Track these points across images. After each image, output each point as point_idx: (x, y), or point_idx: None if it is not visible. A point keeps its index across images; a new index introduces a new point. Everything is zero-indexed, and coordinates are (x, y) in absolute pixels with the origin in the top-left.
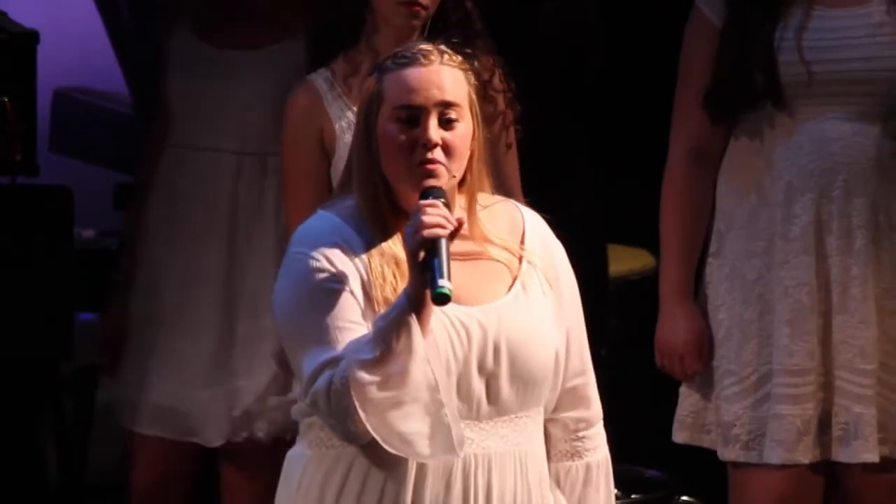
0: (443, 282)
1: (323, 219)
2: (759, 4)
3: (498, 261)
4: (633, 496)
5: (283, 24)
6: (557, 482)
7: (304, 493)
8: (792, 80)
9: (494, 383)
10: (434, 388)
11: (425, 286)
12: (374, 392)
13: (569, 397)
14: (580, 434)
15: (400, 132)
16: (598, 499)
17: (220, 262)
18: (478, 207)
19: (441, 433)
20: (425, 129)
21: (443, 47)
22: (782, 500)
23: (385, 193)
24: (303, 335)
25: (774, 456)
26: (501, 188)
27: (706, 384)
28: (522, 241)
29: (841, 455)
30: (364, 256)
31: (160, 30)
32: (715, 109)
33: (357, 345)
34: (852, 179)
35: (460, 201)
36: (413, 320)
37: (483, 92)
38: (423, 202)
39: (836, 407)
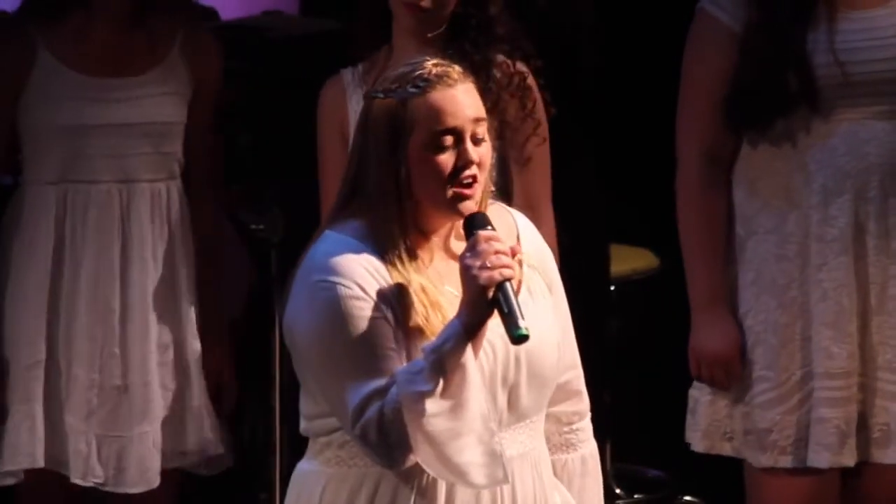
0: (522, 323)
1: (340, 243)
2: (788, 8)
3: None
4: (635, 496)
5: (153, 51)
6: (555, 475)
7: None
8: (827, 82)
9: (515, 392)
10: (486, 417)
11: (485, 319)
12: (432, 424)
13: (562, 391)
14: (574, 426)
15: (444, 158)
16: (595, 489)
17: (121, 300)
18: None
19: (494, 461)
20: (466, 150)
21: (448, 62)
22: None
23: (412, 219)
24: (342, 365)
25: (821, 460)
26: (522, 202)
27: (729, 391)
28: (518, 245)
29: (882, 456)
30: (392, 282)
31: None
32: (741, 118)
33: (409, 375)
34: (888, 179)
35: None
36: (470, 351)
37: (496, 100)
38: (483, 233)
39: (875, 408)
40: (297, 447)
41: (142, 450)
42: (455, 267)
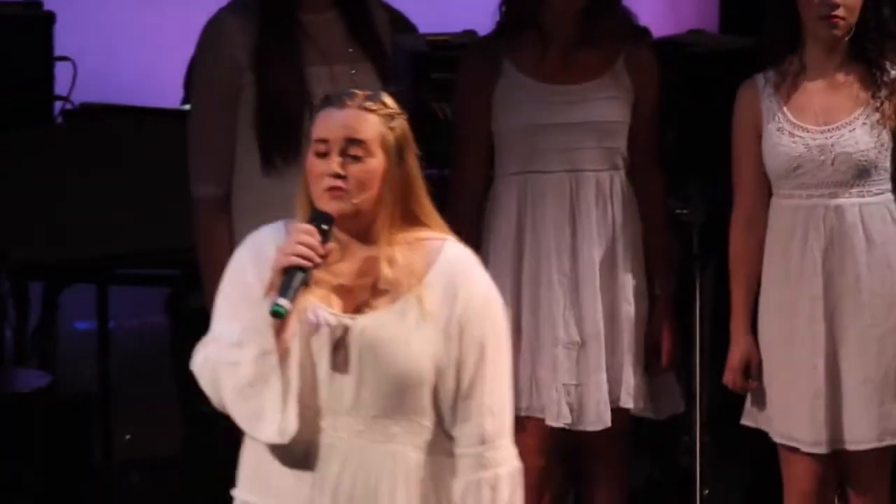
0: (282, 301)
1: (273, 226)
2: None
3: (388, 284)
4: None
5: (600, 63)
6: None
7: None
8: None
9: (354, 378)
10: (276, 379)
11: None
12: (229, 371)
13: (460, 412)
14: (462, 451)
15: (315, 162)
16: None
17: (571, 270)
18: (397, 237)
19: (274, 419)
20: (329, 161)
21: (371, 93)
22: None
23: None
24: (213, 311)
25: None
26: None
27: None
28: (423, 279)
29: None
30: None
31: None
32: None
33: (233, 328)
34: None
35: (373, 232)
36: (268, 322)
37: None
38: (299, 225)
39: None
40: None
41: (598, 395)
42: (350, 264)
